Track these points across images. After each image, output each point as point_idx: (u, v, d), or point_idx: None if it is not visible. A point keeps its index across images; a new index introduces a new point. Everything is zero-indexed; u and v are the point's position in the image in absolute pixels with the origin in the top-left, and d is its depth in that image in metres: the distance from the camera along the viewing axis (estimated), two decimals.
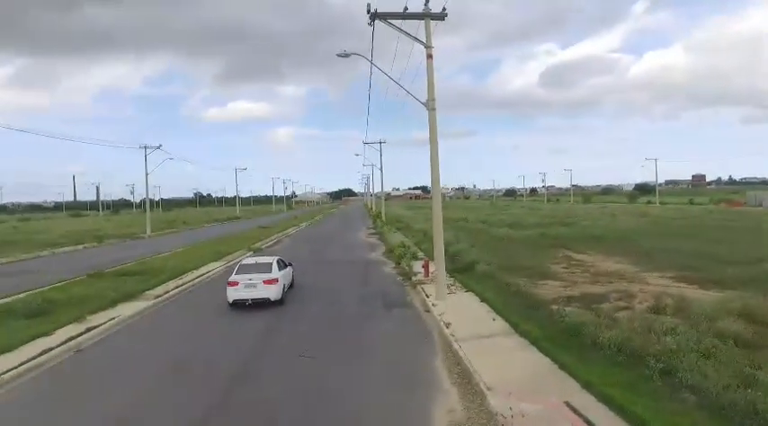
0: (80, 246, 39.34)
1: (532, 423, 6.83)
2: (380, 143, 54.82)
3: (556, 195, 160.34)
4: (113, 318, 14.06)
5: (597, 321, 10.29)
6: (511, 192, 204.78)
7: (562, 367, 8.82)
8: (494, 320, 12.50)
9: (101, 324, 13.36)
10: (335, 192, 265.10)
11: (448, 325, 12.13)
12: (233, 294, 15.19)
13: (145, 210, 56.61)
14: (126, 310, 15.06)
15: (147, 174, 52.73)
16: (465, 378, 9.01)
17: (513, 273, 17.83)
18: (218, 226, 67.30)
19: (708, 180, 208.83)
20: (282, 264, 17.03)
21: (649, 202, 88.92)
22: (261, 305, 15.05)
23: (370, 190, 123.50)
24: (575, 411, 7.11)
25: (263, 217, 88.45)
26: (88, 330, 12.80)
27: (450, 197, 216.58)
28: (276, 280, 15.34)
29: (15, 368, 10.00)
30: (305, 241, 39.80)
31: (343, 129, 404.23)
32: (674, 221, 42.20)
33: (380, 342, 11.68)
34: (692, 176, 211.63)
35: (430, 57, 15.33)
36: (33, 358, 10.60)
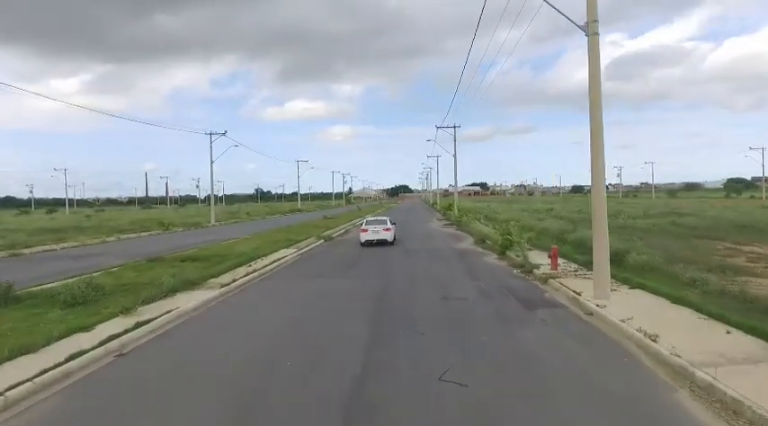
0: (145, 233, 38.00)
1: None
2: (455, 127, 50.21)
3: (627, 192, 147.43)
4: (169, 311, 10.84)
5: None
6: (577, 189, 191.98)
7: None
8: (728, 333, 8.06)
9: (153, 319, 10.14)
10: (392, 189, 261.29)
11: (654, 338, 7.83)
12: (364, 236, 24.33)
13: (209, 205, 55.49)
14: (187, 301, 11.86)
15: (212, 162, 51.27)
16: None
17: (680, 267, 13.18)
18: (281, 217, 65.53)
19: None
20: (391, 222, 26.09)
21: (752, 197, 78.52)
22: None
23: (432, 184, 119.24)
24: None
25: (323, 210, 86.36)
26: (137, 325, 9.59)
27: (512, 193, 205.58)
28: (390, 229, 24.90)
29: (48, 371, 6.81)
30: None
31: (399, 127, 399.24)
32: None
33: (560, 364, 7.44)
34: None
35: None
36: (64, 362, 7.39)
